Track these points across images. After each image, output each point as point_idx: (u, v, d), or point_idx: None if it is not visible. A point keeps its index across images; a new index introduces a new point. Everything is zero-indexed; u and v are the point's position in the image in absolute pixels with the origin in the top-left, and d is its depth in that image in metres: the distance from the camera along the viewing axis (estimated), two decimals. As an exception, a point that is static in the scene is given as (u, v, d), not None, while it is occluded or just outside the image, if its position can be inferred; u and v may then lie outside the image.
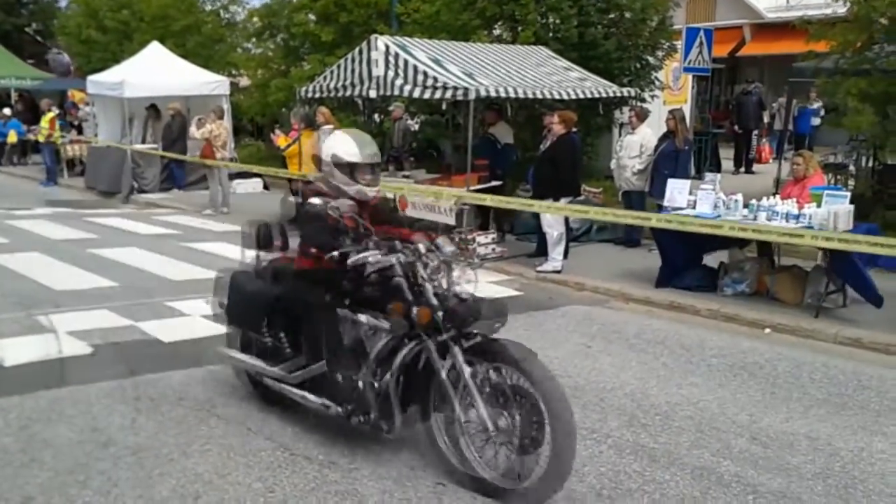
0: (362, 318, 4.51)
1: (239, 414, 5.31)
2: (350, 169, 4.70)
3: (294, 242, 5.02)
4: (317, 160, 4.86)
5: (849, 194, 8.06)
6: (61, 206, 15.40)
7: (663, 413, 5.43)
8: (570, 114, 9.80)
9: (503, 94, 10.19)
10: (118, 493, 4.26)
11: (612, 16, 13.60)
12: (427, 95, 10.23)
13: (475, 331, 4.18)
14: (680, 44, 13.47)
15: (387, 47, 10.50)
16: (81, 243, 11.10)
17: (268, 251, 5.38)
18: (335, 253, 4.38)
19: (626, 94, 11.89)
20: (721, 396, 5.78)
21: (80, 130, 20.81)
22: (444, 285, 4.31)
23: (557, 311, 8.05)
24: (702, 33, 13.26)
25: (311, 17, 18.18)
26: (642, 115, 11.15)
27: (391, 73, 10.44)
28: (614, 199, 11.80)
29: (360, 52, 10.85)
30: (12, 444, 4.83)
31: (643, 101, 12.87)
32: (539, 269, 9.58)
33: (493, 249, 10.35)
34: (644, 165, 10.77)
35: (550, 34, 13.34)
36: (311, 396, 4.78)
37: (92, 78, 18.06)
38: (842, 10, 11.20)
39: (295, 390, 4.89)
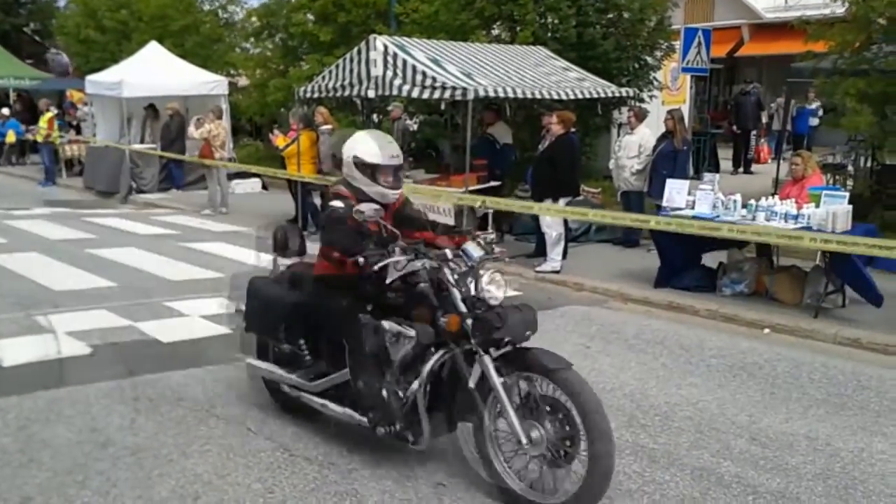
0: (386, 324, 4.37)
1: (238, 414, 5.31)
2: (371, 170, 4.57)
3: (313, 247, 4.93)
4: (337, 161, 4.77)
5: (847, 194, 8.06)
6: (60, 206, 15.39)
7: (662, 414, 5.43)
8: (569, 114, 9.79)
9: (502, 95, 10.18)
10: (117, 494, 4.26)
11: (610, 16, 13.59)
12: (426, 95, 10.22)
13: (505, 339, 4.05)
14: (678, 44, 13.47)
15: (385, 47, 10.49)
16: (80, 243, 11.09)
17: (285, 255, 5.31)
18: (360, 258, 4.27)
19: (624, 94, 11.89)
20: (720, 397, 5.78)
21: (78, 130, 20.79)
22: (473, 291, 4.17)
23: (556, 312, 8.05)
24: (700, 33, 13.26)
25: (310, 16, 18.17)
26: (641, 116, 11.15)
27: (390, 73, 10.43)
28: (613, 200, 11.80)
29: (359, 52, 10.84)
30: (11, 445, 4.83)
31: (642, 101, 12.87)
32: (538, 269, 9.58)
33: (492, 250, 10.31)
34: (643, 165, 10.77)
35: (549, 34, 13.33)
36: (332, 405, 4.69)
37: (90, 78, 18.05)
38: (840, 10, 11.21)
39: (315, 399, 4.79)
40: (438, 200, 10.34)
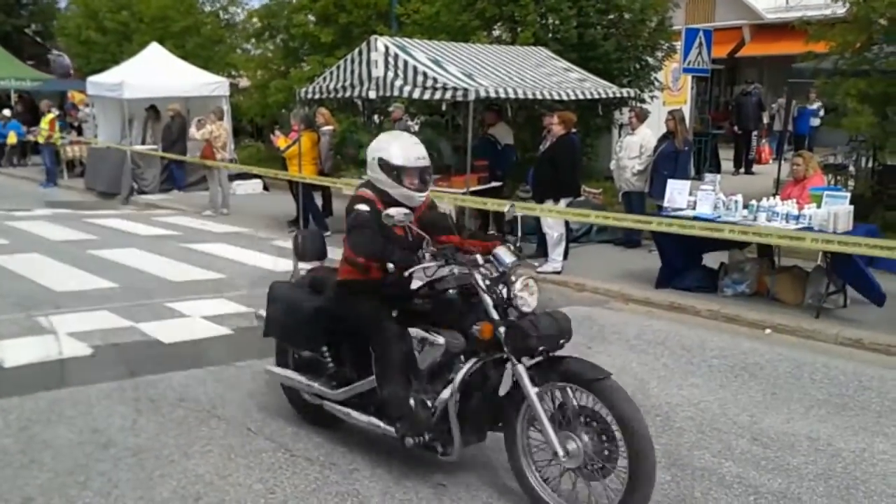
0: (413, 331, 4.26)
1: (239, 415, 5.32)
2: (397, 172, 4.42)
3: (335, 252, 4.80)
4: (383, 164, 4.52)
5: (848, 195, 8.05)
6: (61, 207, 15.40)
7: (664, 414, 5.43)
8: (570, 114, 9.79)
9: (503, 95, 10.18)
10: (118, 495, 4.26)
11: (611, 16, 13.59)
12: (427, 96, 10.22)
13: (540, 347, 3.92)
14: (679, 44, 13.46)
15: (386, 48, 10.50)
16: (81, 244, 11.10)
17: (307, 261, 5.24)
18: (389, 264, 4.16)
19: (625, 94, 11.89)
20: (722, 397, 5.78)
21: (79, 131, 20.80)
22: (504, 298, 4.03)
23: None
24: (701, 34, 13.25)
25: (311, 17, 18.18)
26: (642, 116, 11.15)
27: (391, 74, 10.43)
28: (614, 200, 11.80)
29: (360, 53, 10.85)
30: (12, 445, 4.83)
31: (643, 101, 12.87)
32: (539, 269, 9.55)
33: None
34: (644, 166, 10.77)
35: (550, 35, 13.34)
36: (357, 414, 4.58)
37: (91, 79, 18.07)
38: (841, 10, 11.21)
39: (339, 407, 4.69)
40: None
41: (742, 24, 23.74)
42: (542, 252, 9.82)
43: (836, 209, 7.50)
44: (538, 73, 11.25)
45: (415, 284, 4.31)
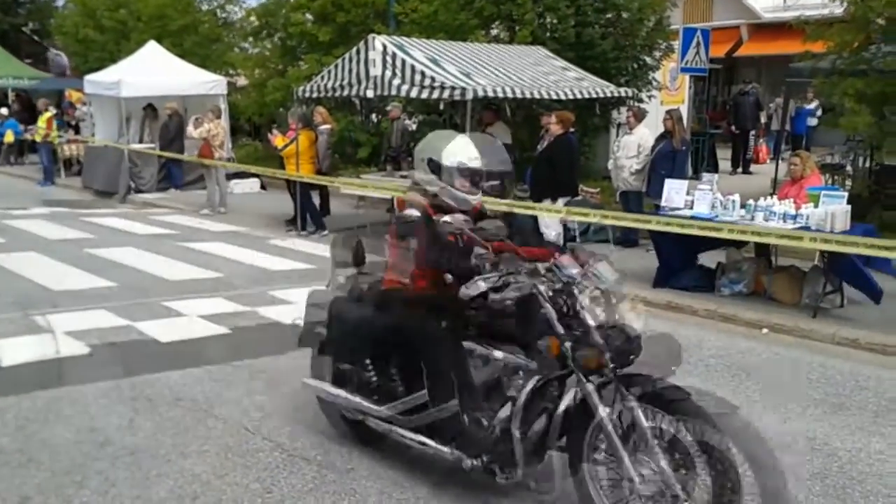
0: (468, 346, 3.97)
1: (236, 414, 5.31)
2: (449, 174, 4.18)
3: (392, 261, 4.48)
4: (433, 165, 4.23)
5: (846, 194, 8.07)
6: (58, 205, 15.37)
7: (661, 413, 5.42)
8: (568, 114, 9.81)
9: (500, 94, 10.19)
10: (116, 494, 4.26)
11: (609, 16, 13.61)
12: (424, 95, 10.24)
13: (611, 364, 3.61)
14: (677, 44, 13.48)
15: (384, 47, 10.50)
16: (78, 243, 11.09)
17: (346, 268, 4.97)
18: (448, 276, 3.89)
19: (623, 94, 11.89)
20: (719, 397, 5.77)
21: (77, 130, 20.78)
22: (604, 319, 3.69)
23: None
24: (699, 33, 13.29)
25: (309, 16, 18.17)
26: (640, 116, 11.15)
27: (389, 73, 10.44)
28: (612, 200, 11.80)
29: (358, 52, 10.85)
30: (9, 445, 4.82)
31: (640, 101, 12.88)
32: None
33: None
34: (641, 166, 10.77)
35: (548, 34, 13.36)
36: (404, 433, 4.28)
37: (89, 77, 18.04)
38: (839, 10, 11.22)
39: (407, 433, 4.32)
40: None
41: (740, 23, 23.76)
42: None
43: (834, 209, 7.51)
44: (536, 73, 11.27)
45: (468, 295, 3.98)
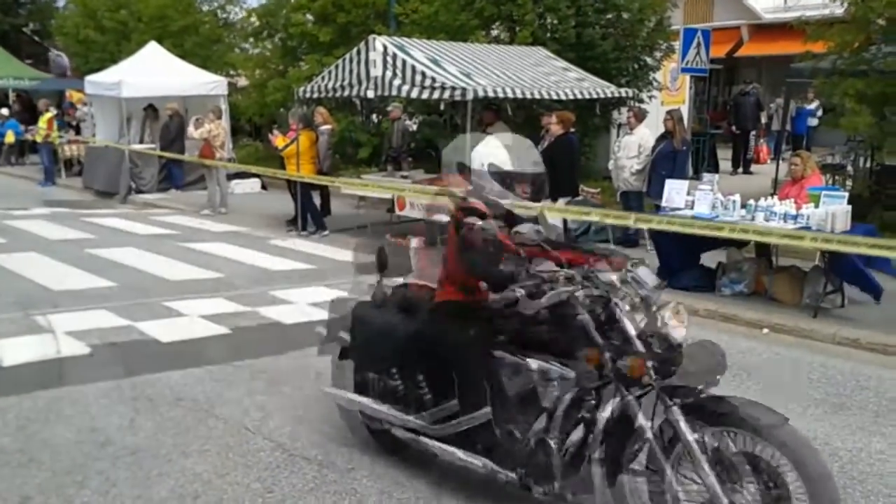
0: (534, 363, 3.76)
1: (237, 414, 5.32)
2: (510, 180, 4.01)
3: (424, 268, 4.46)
4: (461, 168, 4.14)
5: (846, 195, 8.07)
6: (59, 206, 15.38)
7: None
8: (568, 114, 9.81)
9: (501, 95, 10.20)
10: (116, 494, 4.26)
11: (609, 16, 13.62)
12: (425, 96, 10.24)
13: (698, 386, 3.48)
14: (678, 44, 13.49)
15: (385, 47, 10.51)
16: (79, 243, 11.09)
17: (390, 277, 4.82)
18: (519, 290, 3.63)
19: (623, 94, 11.89)
20: (719, 396, 5.77)
21: (77, 130, 20.78)
22: (645, 326, 3.57)
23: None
24: (699, 34, 13.29)
25: (309, 17, 18.18)
26: (640, 116, 11.15)
27: (389, 74, 10.44)
28: (612, 200, 11.80)
29: (359, 53, 10.86)
30: (10, 444, 4.83)
31: (641, 101, 12.89)
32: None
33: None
34: (642, 166, 10.77)
35: (548, 34, 13.37)
36: (462, 454, 4.05)
37: (90, 78, 18.05)
38: (839, 10, 11.22)
39: (436, 444, 4.18)
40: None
41: (740, 23, 23.76)
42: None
43: (834, 209, 7.51)
44: (536, 73, 11.27)
45: (505, 301, 3.79)
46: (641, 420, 3.52)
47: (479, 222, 3.89)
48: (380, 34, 12.36)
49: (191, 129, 14.43)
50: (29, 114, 22.52)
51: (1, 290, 8.41)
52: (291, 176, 12.07)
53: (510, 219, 4.12)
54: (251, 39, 22.30)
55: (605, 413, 3.59)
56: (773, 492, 3.35)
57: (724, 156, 18.54)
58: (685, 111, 13.80)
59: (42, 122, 18.92)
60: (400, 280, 4.87)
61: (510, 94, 10.21)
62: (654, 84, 14.04)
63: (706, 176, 9.44)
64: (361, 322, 4.52)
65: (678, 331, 3.51)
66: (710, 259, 8.87)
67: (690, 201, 8.60)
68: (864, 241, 7.13)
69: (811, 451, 3.33)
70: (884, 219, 10.29)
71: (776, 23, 20.61)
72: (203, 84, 17.34)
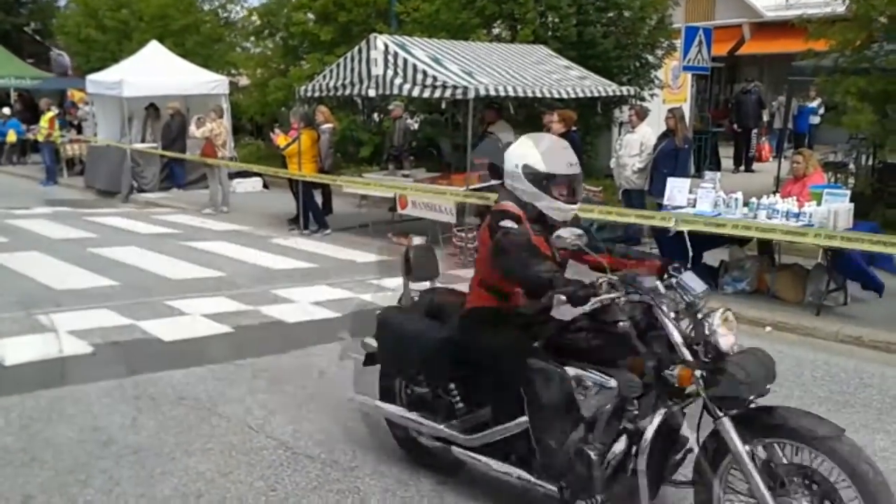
0: (572, 371, 3.64)
1: (240, 413, 5.32)
2: (545, 181, 3.83)
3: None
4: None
5: (849, 192, 8.07)
6: (61, 205, 15.39)
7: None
8: (570, 113, 9.81)
9: (502, 93, 10.19)
10: (120, 493, 4.26)
11: (610, 14, 13.62)
12: (426, 94, 10.23)
13: (751, 396, 3.37)
14: (679, 42, 13.45)
15: (386, 46, 10.50)
16: (81, 242, 11.10)
17: (418, 281, 4.69)
18: (561, 295, 3.52)
19: (625, 92, 11.89)
20: (722, 395, 5.76)
21: (79, 130, 20.78)
22: (693, 334, 3.46)
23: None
24: (701, 32, 13.23)
25: (310, 16, 18.18)
26: (642, 114, 11.14)
27: (390, 72, 10.43)
28: (614, 198, 11.79)
29: (360, 51, 10.85)
30: (13, 444, 4.83)
31: (643, 99, 12.88)
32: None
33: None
34: (644, 164, 10.76)
35: (549, 33, 13.36)
36: (496, 465, 3.95)
37: (91, 77, 18.05)
38: (841, 8, 11.20)
39: (467, 453, 4.07)
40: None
41: (742, 21, 23.72)
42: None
43: (837, 207, 7.51)
44: (538, 71, 11.26)
45: (566, 314, 3.67)
46: (687, 431, 3.46)
47: (514, 226, 3.76)
48: (381, 33, 12.35)
49: (192, 129, 14.44)
50: (31, 113, 22.54)
51: (3, 290, 8.42)
52: (293, 175, 12.08)
53: (546, 222, 3.92)
54: (252, 38, 22.32)
55: (653, 424, 3.47)
56: None
57: (726, 154, 18.53)
58: (687, 109, 13.75)
59: (44, 122, 18.93)
60: (426, 284, 4.74)
61: (512, 93, 10.21)
62: (656, 82, 14.03)
63: (708, 174, 9.43)
64: (388, 327, 4.42)
65: (727, 339, 3.41)
66: (712, 257, 8.86)
67: (692, 199, 8.59)
68: (868, 236, 7.14)
69: (870, 465, 3.17)
70: (886, 216, 10.27)
71: (778, 21, 20.57)
72: (204, 83, 17.34)
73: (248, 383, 5.86)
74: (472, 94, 9.65)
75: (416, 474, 4.45)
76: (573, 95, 10.84)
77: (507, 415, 3.85)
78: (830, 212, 7.46)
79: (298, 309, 7.87)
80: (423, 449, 4.43)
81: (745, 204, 8.11)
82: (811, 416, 3.34)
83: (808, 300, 7.94)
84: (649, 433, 3.46)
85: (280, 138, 12.29)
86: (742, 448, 3.32)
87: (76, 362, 6.26)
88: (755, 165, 18.20)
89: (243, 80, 22.40)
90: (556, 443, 3.66)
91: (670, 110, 10.95)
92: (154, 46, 18.41)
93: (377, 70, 10.56)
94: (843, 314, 7.71)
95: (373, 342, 4.54)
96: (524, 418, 3.77)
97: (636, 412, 3.57)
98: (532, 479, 3.77)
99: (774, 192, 8.66)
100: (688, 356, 3.40)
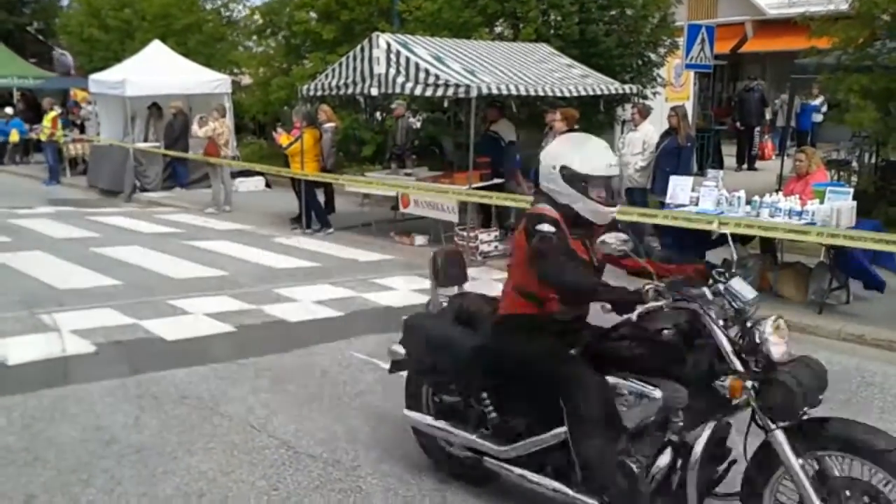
0: (613, 381, 3.53)
1: (242, 412, 5.32)
2: (584, 183, 3.67)
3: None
4: (566, 173, 3.72)
5: (851, 190, 8.06)
6: (64, 204, 15.41)
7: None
8: (573, 111, 9.80)
9: (505, 92, 10.19)
10: (122, 492, 4.27)
11: (613, 13, 13.58)
12: (429, 93, 10.24)
13: (805, 408, 3.27)
14: (682, 40, 13.44)
15: (388, 45, 10.50)
16: (84, 242, 11.11)
17: (446, 286, 4.57)
18: (606, 304, 3.41)
19: (627, 91, 11.88)
20: (724, 393, 5.76)
21: (82, 129, 20.81)
22: (743, 343, 3.37)
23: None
24: (703, 30, 13.23)
25: (313, 14, 18.16)
26: (645, 112, 11.13)
27: (393, 71, 10.43)
28: (616, 197, 11.78)
29: (362, 50, 10.85)
30: (16, 443, 4.84)
31: (645, 98, 12.86)
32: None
33: (496, 247, 10.35)
34: (646, 162, 10.75)
35: (551, 31, 13.34)
36: (533, 477, 3.81)
37: (94, 77, 18.06)
38: (843, 6, 11.19)
39: (502, 464, 3.96)
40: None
41: (744, 19, 23.67)
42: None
43: (839, 205, 7.50)
44: (540, 70, 11.25)
45: (606, 321, 3.55)
46: (736, 443, 3.36)
47: (551, 229, 3.58)
48: (383, 31, 12.34)
49: (195, 128, 14.44)
50: (33, 112, 22.57)
51: (6, 289, 8.43)
52: (295, 174, 12.08)
53: (584, 225, 3.77)
54: (255, 37, 22.30)
55: (703, 437, 3.37)
56: None
57: (729, 152, 18.50)
58: (689, 107, 13.76)
59: (46, 121, 18.95)
60: (454, 289, 4.61)
61: (514, 91, 10.20)
62: (659, 80, 14.00)
63: (711, 172, 9.43)
64: (417, 334, 4.29)
65: (779, 347, 3.30)
66: (715, 256, 8.84)
67: (695, 198, 8.58)
68: (871, 235, 7.13)
69: None
70: (889, 214, 10.25)
71: (780, 19, 20.53)
72: (207, 82, 17.34)
73: (250, 382, 5.87)
74: (474, 93, 9.65)
75: (419, 473, 4.46)
76: (575, 94, 10.83)
77: (543, 425, 3.74)
78: (833, 210, 7.45)
79: (301, 308, 7.87)
80: (453, 459, 4.31)
81: (748, 202, 8.10)
82: (868, 428, 3.24)
83: (811, 298, 7.93)
84: (699, 447, 3.36)
85: (282, 137, 12.30)
86: (795, 462, 3.23)
87: (79, 361, 6.27)
88: (758, 163, 18.17)
89: (246, 80, 22.40)
90: (598, 455, 3.50)
91: (673, 108, 10.94)
92: (157, 46, 18.42)
93: (379, 69, 10.56)
94: (846, 312, 7.70)
95: (400, 349, 4.43)
96: (562, 429, 3.63)
97: (681, 423, 3.46)
98: (571, 492, 3.64)
99: (777, 191, 8.65)
100: (738, 366, 3.29)
